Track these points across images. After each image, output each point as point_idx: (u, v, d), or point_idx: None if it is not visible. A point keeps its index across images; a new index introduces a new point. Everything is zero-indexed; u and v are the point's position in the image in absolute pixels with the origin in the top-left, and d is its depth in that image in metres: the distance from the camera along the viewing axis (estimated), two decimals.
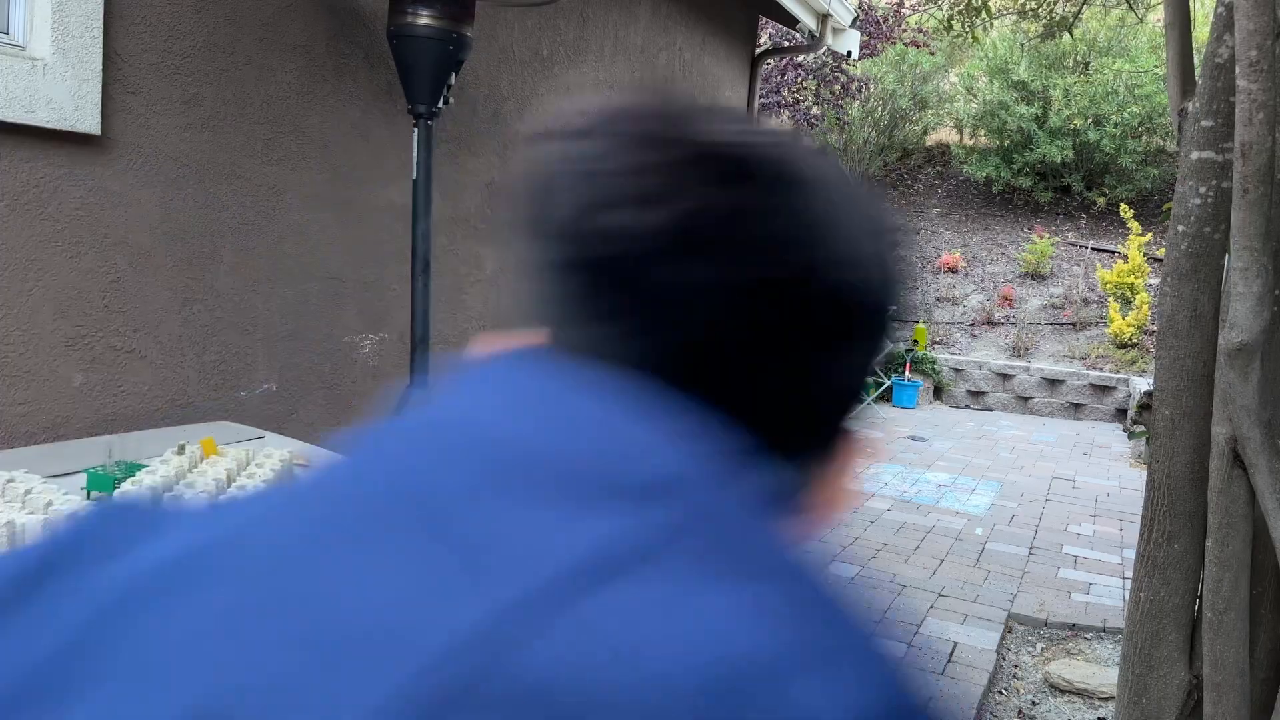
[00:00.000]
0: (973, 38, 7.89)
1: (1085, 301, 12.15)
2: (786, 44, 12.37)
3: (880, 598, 4.20)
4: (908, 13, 14.20)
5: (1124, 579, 4.78)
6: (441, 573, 0.36)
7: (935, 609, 4.10)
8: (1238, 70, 1.86)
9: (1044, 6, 7.67)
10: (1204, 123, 2.05)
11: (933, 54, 15.18)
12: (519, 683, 0.33)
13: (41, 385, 2.80)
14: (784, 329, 0.45)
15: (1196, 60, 2.21)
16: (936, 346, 11.91)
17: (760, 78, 7.84)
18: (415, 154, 3.37)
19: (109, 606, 0.38)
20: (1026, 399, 11.08)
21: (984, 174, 14.22)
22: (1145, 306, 10.99)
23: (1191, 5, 2.30)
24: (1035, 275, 12.87)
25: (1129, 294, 11.51)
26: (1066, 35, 8.06)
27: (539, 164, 0.49)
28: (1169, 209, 2.32)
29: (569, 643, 0.34)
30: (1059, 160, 13.55)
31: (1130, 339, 11.10)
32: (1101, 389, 10.73)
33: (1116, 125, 13.18)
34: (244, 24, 3.28)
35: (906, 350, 11.11)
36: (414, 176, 3.39)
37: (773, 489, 0.44)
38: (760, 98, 13.68)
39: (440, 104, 3.37)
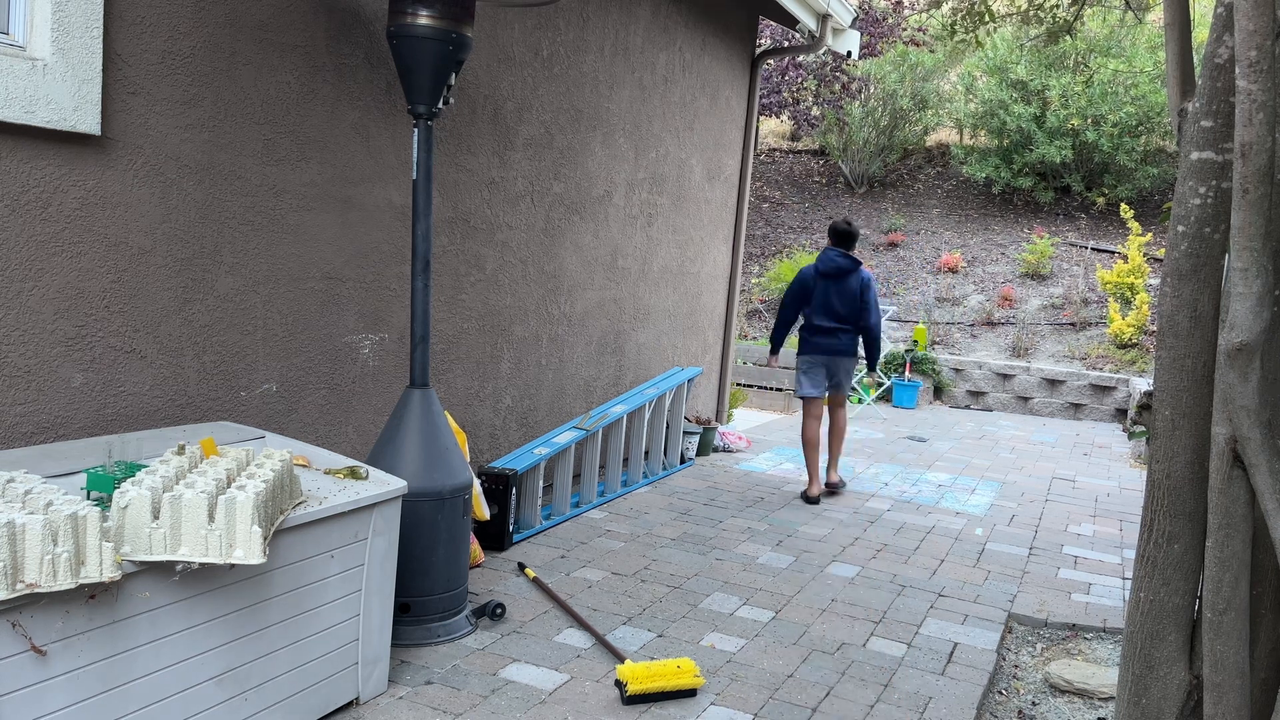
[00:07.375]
0: (975, 41, 7.88)
1: (1085, 301, 12.15)
2: (786, 44, 12.37)
3: (880, 598, 4.20)
4: (908, 11, 14.19)
5: (1124, 579, 4.78)
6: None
7: (935, 609, 4.10)
8: (1238, 70, 1.86)
9: (1045, 8, 7.66)
10: (1204, 123, 2.05)
11: (933, 52, 15.18)
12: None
13: (41, 385, 2.79)
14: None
15: (1196, 60, 2.21)
16: (936, 347, 11.91)
17: (760, 78, 7.83)
18: (415, 154, 3.37)
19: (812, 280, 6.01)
20: (1026, 399, 11.08)
21: (984, 174, 14.22)
22: (1145, 306, 10.99)
23: (1191, 5, 2.30)
24: (1035, 275, 12.88)
25: (1129, 294, 11.51)
26: (1066, 35, 8.06)
27: None
28: (1169, 209, 2.32)
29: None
30: (1058, 160, 13.55)
31: (1130, 339, 11.10)
32: (1101, 389, 10.74)
33: (1115, 125, 13.19)
34: (244, 24, 3.28)
35: (906, 350, 11.11)
36: (414, 176, 3.39)
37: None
38: (760, 98, 13.66)
39: (440, 104, 3.37)
